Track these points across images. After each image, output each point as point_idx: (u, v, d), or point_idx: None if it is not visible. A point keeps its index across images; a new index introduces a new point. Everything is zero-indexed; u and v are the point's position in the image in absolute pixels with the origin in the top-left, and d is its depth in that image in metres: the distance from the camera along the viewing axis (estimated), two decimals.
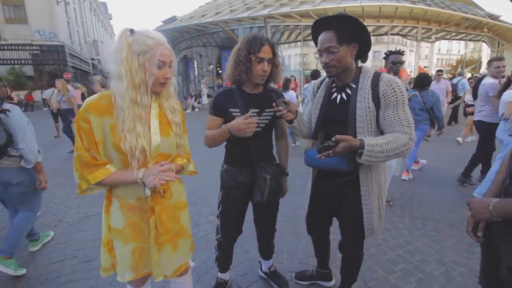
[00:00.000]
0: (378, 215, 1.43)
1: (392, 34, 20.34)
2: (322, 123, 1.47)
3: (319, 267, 1.91)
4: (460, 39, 24.54)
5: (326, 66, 1.33)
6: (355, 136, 1.27)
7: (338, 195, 1.47)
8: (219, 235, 1.74)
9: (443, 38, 22.69)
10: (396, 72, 3.04)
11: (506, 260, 0.99)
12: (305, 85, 6.48)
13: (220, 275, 1.88)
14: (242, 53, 1.41)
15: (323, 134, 1.49)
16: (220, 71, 21.24)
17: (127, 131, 1.04)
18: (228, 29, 17.38)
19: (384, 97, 1.28)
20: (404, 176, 3.98)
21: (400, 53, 3.05)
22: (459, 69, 20.13)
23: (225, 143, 1.65)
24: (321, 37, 1.32)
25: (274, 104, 1.41)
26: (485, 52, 26.32)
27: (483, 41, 25.26)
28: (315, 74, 5.60)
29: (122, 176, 1.08)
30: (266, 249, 1.90)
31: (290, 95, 5.69)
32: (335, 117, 1.41)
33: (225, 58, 18.84)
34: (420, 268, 2.11)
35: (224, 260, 1.84)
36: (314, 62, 18.53)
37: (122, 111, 1.04)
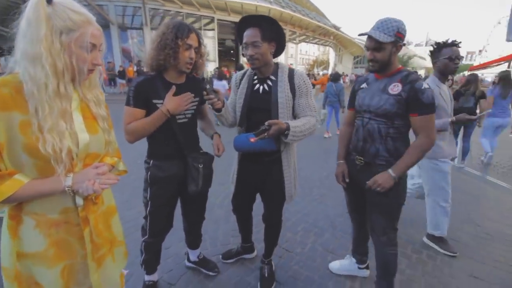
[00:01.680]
0: (294, 185, 1.74)
1: None
2: (247, 111, 1.63)
3: (243, 242, 2.12)
4: (315, 43, 30.42)
5: (251, 58, 1.49)
6: None
7: (263, 172, 1.68)
8: (146, 236, 1.63)
9: (304, 41, 27.43)
10: (453, 71, 2.15)
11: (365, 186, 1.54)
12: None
13: (147, 277, 1.78)
14: (168, 36, 1.35)
15: (247, 122, 1.65)
16: None
17: (48, 130, 0.83)
18: (95, 4, 14.61)
19: (298, 88, 1.57)
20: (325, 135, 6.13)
21: (457, 45, 2.10)
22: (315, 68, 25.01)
23: (146, 137, 1.54)
24: (247, 32, 1.47)
25: (205, 92, 1.44)
26: (332, 55, 33.76)
27: (330, 46, 32.27)
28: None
29: (41, 186, 0.86)
30: (195, 239, 1.93)
31: (222, 84, 6.01)
32: (259, 105, 1.60)
33: None
34: (315, 224, 2.69)
35: (152, 261, 1.74)
36: None
37: (39, 104, 0.82)
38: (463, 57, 2.20)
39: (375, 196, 1.53)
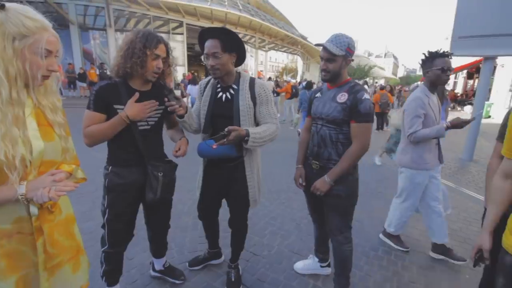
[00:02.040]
0: (258, 189, 1.80)
1: None
2: (211, 118, 1.67)
3: (210, 247, 2.12)
4: (284, 51, 31.35)
5: (212, 68, 1.55)
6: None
7: (227, 178, 1.72)
8: (106, 246, 1.58)
9: (273, 48, 28.13)
10: (445, 82, 2.15)
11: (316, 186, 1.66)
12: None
13: None
14: (137, 45, 1.36)
15: (212, 128, 1.68)
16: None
17: (0, 136, 0.81)
18: (53, 1, 13.66)
19: (259, 97, 1.64)
20: None
21: (449, 56, 2.08)
22: (287, 76, 25.72)
23: (107, 143, 1.51)
24: (208, 44, 1.52)
25: (166, 99, 1.46)
26: (300, 63, 34.99)
27: (298, 55, 33.44)
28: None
29: None
30: (160, 247, 1.90)
31: (197, 88, 6.11)
32: (222, 113, 1.65)
33: None
34: (281, 227, 2.77)
35: (114, 272, 1.68)
36: None
37: None
38: (453, 68, 2.20)
39: (330, 198, 1.65)
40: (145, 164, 1.52)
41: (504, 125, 1.43)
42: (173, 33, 17.99)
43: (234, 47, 1.58)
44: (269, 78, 14.03)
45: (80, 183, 1.12)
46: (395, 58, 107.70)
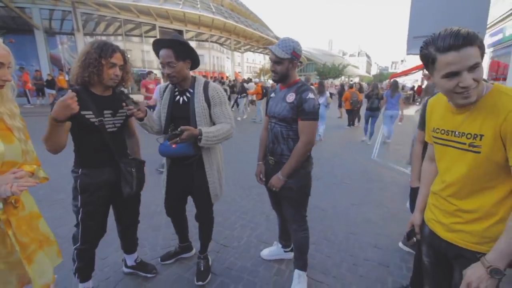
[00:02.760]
0: (219, 185, 1.96)
1: (211, 42, 23.06)
2: (170, 119, 1.81)
3: (181, 242, 2.25)
4: (260, 52, 31.69)
5: (169, 76, 1.70)
6: (196, 128, 1.71)
7: (189, 175, 1.86)
8: (78, 244, 1.66)
9: (249, 50, 28.38)
10: None
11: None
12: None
13: (82, 285, 1.78)
14: (92, 56, 1.46)
15: (171, 128, 1.81)
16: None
17: None
18: (15, 6, 13.00)
19: (212, 99, 1.80)
20: None
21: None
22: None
23: (73, 148, 1.60)
24: (162, 53, 1.67)
25: (124, 104, 1.58)
26: None
27: None
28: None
29: None
30: (130, 243, 2.00)
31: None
32: (180, 114, 1.79)
33: (11, 44, 13.96)
34: (251, 220, 2.95)
35: (87, 268, 1.77)
36: (139, 58, 17.65)
37: None
38: None
39: (283, 191, 1.81)
40: (117, 163, 1.63)
41: (422, 116, 1.69)
42: (145, 36, 17.70)
43: (187, 54, 1.72)
44: (245, 80, 14.23)
45: (42, 183, 1.25)
46: (368, 56, 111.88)
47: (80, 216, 1.61)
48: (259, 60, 35.11)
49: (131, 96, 1.70)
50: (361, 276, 2.12)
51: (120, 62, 1.57)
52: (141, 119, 1.68)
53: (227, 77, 23.10)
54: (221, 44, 24.41)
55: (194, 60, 1.78)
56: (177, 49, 1.66)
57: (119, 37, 16.65)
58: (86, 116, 1.51)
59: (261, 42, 26.59)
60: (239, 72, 25.53)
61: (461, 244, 1.06)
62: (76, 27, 14.67)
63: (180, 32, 19.21)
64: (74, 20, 14.51)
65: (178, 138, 1.58)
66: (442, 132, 1.10)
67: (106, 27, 16.33)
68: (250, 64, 33.04)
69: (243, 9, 25.39)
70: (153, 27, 17.73)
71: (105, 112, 1.58)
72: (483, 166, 0.97)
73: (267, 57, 34.32)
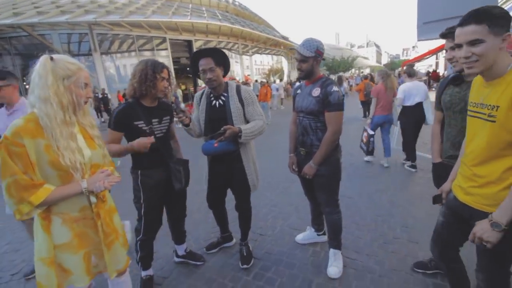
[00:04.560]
0: (256, 176, 2.18)
1: (220, 48, 23.53)
2: (209, 122, 2.05)
3: (222, 232, 2.48)
4: (268, 54, 31.92)
5: (209, 80, 1.94)
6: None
7: (229, 169, 2.09)
8: (141, 235, 1.93)
9: (257, 52, 28.68)
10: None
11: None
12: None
13: (144, 273, 2.05)
14: (148, 72, 1.74)
15: (211, 131, 2.05)
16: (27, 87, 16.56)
17: (63, 148, 1.16)
18: (36, 34, 13.96)
19: (245, 100, 2.03)
20: None
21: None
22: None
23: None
24: (203, 61, 1.92)
25: (174, 112, 1.84)
26: (285, 63, 35.59)
27: (282, 55, 34.05)
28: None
29: (65, 190, 1.18)
30: (180, 234, 2.26)
31: None
32: (217, 116, 2.02)
33: None
34: (281, 211, 3.16)
35: (148, 257, 2.03)
36: None
37: (53, 131, 1.15)
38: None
39: (316, 178, 1.99)
40: (167, 163, 1.89)
41: (438, 97, 1.83)
42: (157, 49, 18.39)
43: (221, 61, 1.97)
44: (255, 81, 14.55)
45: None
46: (377, 46, 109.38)
47: (143, 210, 1.88)
48: (267, 61, 35.37)
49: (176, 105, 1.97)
50: (392, 252, 2.27)
51: (167, 76, 1.84)
52: (187, 125, 1.93)
53: (237, 80, 23.49)
54: (229, 50, 24.86)
55: (225, 67, 2.02)
56: (215, 57, 1.91)
57: (133, 53, 17.43)
58: (139, 126, 1.78)
59: (268, 43, 26.83)
60: (248, 75, 25.86)
61: (475, 205, 1.21)
62: (93, 47, 15.50)
63: (189, 42, 19.80)
64: (91, 41, 15.32)
65: (222, 137, 1.81)
66: (473, 105, 1.23)
67: (120, 44, 17.14)
68: (259, 66, 33.34)
69: (247, 12, 25.78)
70: (164, 40, 18.40)
71: (153, 120, 1.85)
72: (498, 135, 1.09)
73: (275, 57, 34.50)
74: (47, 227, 1.20)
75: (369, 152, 4.34)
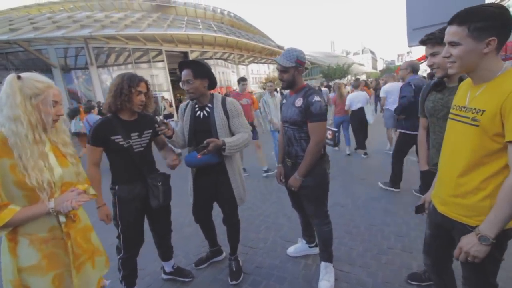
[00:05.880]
0: (243, 188, 2.13)
1: (216, 58, 23.79)
2: (193, 133, 2.01)
3: (211, 246, 2.41)
4: (264, 63, 32.28)
5: (187, 92, 1.92)
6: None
7: (214, 181, 2.04)
8: (122, 253, 1.87)
9: (253, 62, 28.99)
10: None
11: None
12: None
13: None
14: (124, 86, 1.71)
15: (195, 142, 2.01)
16: None
17: (31, 168, 1.12)
18: (33, 49, 14.08)
19: (230, 112, 2.00)
20: None
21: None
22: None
23: (109, 168, 1.83)
24: (183, 73, 1.91)
25: (156, 125, 1.81)
26: None
27: None
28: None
29: (30, 211, 1.14)
30: (167, 250, 2.18)
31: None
32: (201, 128, 1.99)
33: None
34: (275, 222, 3.09)
35: (131, 276, 1.95)
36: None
37: (22, 150, 1.11)
38: None
39: (302, 189, 1.94)
40: (145, 178, 1.84)
41: (421, 103, 1.81)
42: (153, 61, 18.55)
43: (204, 73, 1.94)
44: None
45: (92, 198, 1.46)
46: (372, 53, 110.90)
47: (120, 228, 1.82)
48: (264, 70, 35.76)
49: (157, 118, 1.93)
50: (385, 264, 2.21)
51: (145, 90, 1.81)
52: (170, 137, 1.89)
53: (233, 90, 23.63)
54: (225, 60, 25.13)
55: (211, 79, 1.98)
56: (195, 69, 1.89)
57: (129, 66, 17.56)
58: (116, 140, 1.74)
59: (264, 53, 27.15)
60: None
61: (452, 216, 1.16)
62: (89, 61, 15.63)
63: (185, 53, 20.00)
64: (87, 55, 15.47)
65: (205, 150, 1.78)
66: (457, 108, 1.18)
67: (116, 57, 17.29)
68: (255, 75, 33.65)
69: (242, 23, 26.20)
70: (160, 52, 18.58)
71: (132, 134, 1.80)
72: (479, 140, 1.04)
73: (271, 66, 34.87)
74: (13, 249, 1.15)
75: (335, 144, 5.09)
